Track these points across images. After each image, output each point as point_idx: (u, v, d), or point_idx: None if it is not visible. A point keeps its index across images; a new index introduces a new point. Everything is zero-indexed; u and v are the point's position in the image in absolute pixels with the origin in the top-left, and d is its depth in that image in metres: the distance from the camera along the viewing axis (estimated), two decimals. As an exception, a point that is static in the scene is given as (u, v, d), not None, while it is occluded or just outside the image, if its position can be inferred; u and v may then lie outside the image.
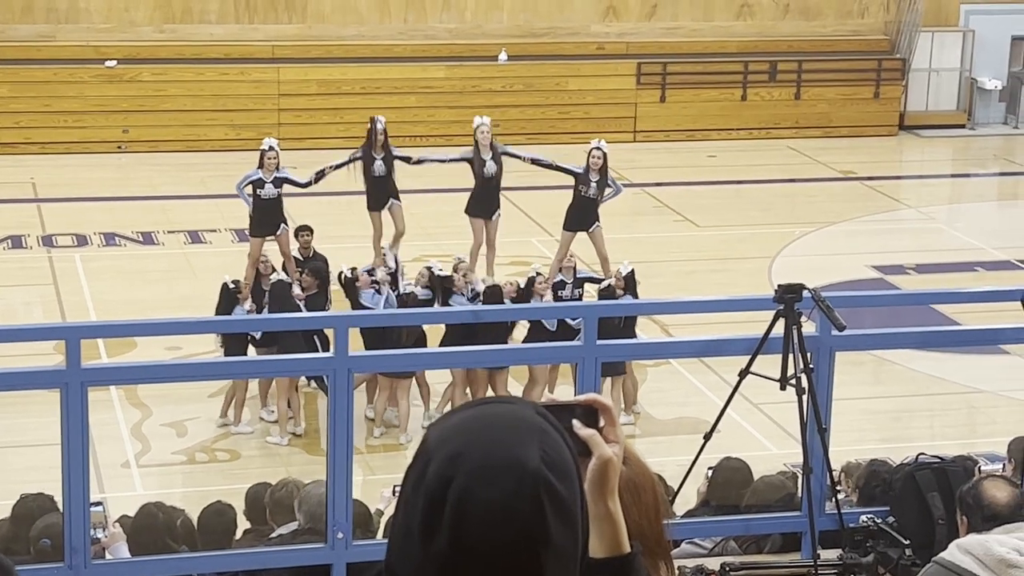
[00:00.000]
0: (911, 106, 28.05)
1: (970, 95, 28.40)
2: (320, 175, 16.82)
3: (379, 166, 16.94)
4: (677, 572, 2.97)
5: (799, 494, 8.61)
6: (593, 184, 16.86)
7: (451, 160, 17.64)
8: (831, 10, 27.93)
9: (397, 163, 17.15)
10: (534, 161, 17.37)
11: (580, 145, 17.43)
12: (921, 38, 27.75)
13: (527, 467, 2.05)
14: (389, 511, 9.87)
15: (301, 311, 14.82)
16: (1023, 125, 28.62)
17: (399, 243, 16.97)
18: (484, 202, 17.43)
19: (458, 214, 18.04)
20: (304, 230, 16.15)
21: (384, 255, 16.58)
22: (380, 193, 17.07)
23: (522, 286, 15.18)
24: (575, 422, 2.29)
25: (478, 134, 17.28)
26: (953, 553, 5.17)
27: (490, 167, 17.24)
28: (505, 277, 16.11)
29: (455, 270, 15.57)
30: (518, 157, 17.50)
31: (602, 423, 2.33)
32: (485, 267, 17.35)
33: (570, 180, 17.17)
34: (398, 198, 17.18)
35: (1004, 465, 9.64)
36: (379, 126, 16.94)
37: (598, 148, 16.93)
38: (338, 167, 17.01)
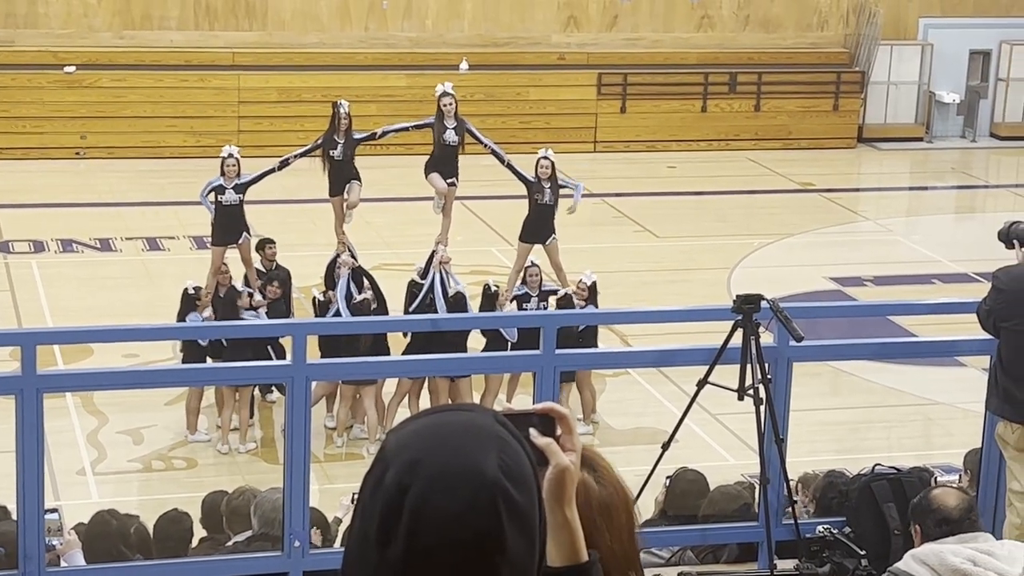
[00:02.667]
0: (870, 119, 28.20)
1: (928, 108, 28.57)
2: (285, 163, 16.74)
3: (340, 150, 16.85)
4: None
5: (755, 504, 8.63)
6: (547, 191, 16.92)
7: (414, 127, 17.63)
8: (791, 23, 28.07)
9: (360, 145, 17.12)
10: (493, 152, 17.27)
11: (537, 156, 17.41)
12: (880, 51, 27.90)
13: (485, 476, 2.04)
14: (347, 519, 9.86)
15: (246, 319, 14.76)
16: (981, 138, 28.80)
17: (351, 215, 16.86)
18: (443, 167, 17.28)
19: (417, 223, 18.01)
20: (268, 243, 16.09)
21: (346, 240, 16.49)
22: (340, 177, 16.94)
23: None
24: (532, 431, 2.29)
25: (441, 104, 17.24)
26: (908, 563, 5.18)
27: (450, 135, 17.16)
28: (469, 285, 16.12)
29: (433, 255, 15.53)
30: (480, 141, 17.39)
31: (559, 432, 2.33)
32: (441, 232, 17.24)
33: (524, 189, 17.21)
34: (359, 179, 17.01)
35: (960, 476, 9.70)
36: (342, 110, 16.83)
37: (545, 158, 17.00)
38: (302, 155, 16.95)
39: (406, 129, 17.65)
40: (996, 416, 7.67)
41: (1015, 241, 7.75)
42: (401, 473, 2.03)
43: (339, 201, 16.99)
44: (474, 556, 2.02)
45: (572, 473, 2.30)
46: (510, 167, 17.00)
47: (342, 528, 9.69)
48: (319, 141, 16.99)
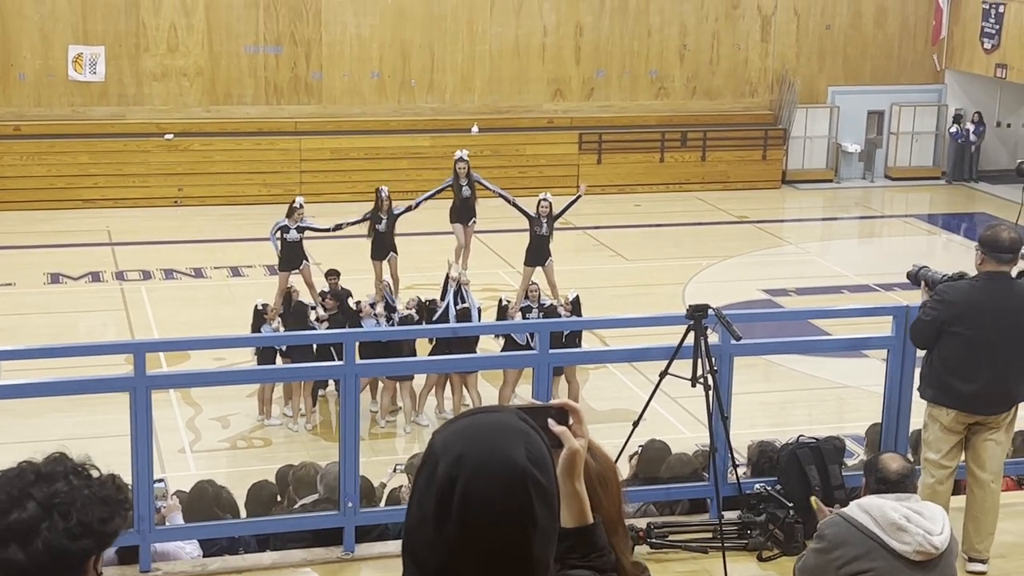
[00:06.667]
0: (791, 165, 28.21)
1: (836, 156, 28.58)
2: (338, 227, 16.92)
3: (384, 224, 17.06)
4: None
5: (703, 469, 8.60)
6: (544, 224, 16.99)
7: (438, 191, 17.92)
8: (728, 91, 28.09)
9: (400, 218, 17.25)
10: (501, 196, 17.48)
11: (535, 198, 17.45)
12: (798, 113, 27.92)
13: (516, 464, 2.02)
14: (390, 484, 9.83)
15: (314, 328, 14.79)
16: (877, 179, 28.81)
17: (398, 288, 16.91)
18: (462, 214, 17.78)
19: (442, 252, 18.00)
20: (332, 274, 16.01)
21: (384, 288, 16.50)
22: (382, 246, 17.17)
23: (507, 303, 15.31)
24: (550, 420, 2.28)
25: (457, 167, 17.71)
26: (854, 510, 5.10)
27: (465, 191, 17.76)
28: (483, 301, 16.09)
29: (448, 276, 15.54)
30: (489, 189, 17.73)
31: (571, 421, 2.33)
32: (462, 261, 17.50)
33: (526, 223, 17.25)
34: (396, 251, 17.22)
35: (862, 443, 9.64)
36: (384, 194, 17.17)
37: (544, 199, 17.11)
38: (353, 223, 17.12)
39: (433, 195, 17.81)
40: (931, 403, 7.46)
41: (923, 282, 7.59)
42: (450, 467, 2.01)
43: (379, 264, 17.10)
44: (512, 529, 2.01)
45: (581, 454, 2.30)
46: (515, 206, 17.12)
47: (386, 491, 9.66)
48: (367, 215, 17.15)
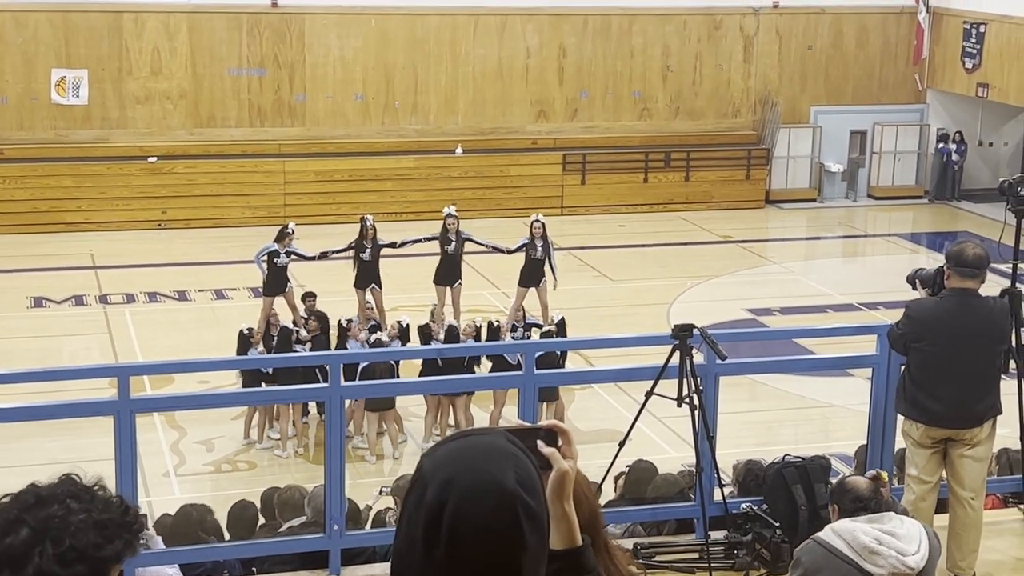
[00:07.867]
0: (774, 185, 28.29)
1: (819, 176, 28.68)
2: (323, 255, 16.91)
3: (368, 253, 16.97)
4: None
5: (689, 489, 8.59)
6: (539, 247, 16.97)
7: (425, 239, 17.64)
8: (711, 112, 28.19)
9: (383, 249, 17.15)
10: (495, 248, 17.41)
11: (520, 218, 17.48)
12: (781, 132, 28.02)
13: (505, 488, 2.00)
14: (376, 507, 9.80)
15: (298, 352, 14.74)
16: (860, 199, 28.91)
17: (384, 318, 16.83)
18: (447, 274, 17.42)
19: (425, 274, 17.98)
20: (310, 296, 16.04)
21: (371, 314, 16.48)
22: (366, 275, 17.06)
23: (478, 325, 15.20)
24: (539, 442, 2.26)
25: (447, 223, 17.37)
26: (828, 535, 5.14)
27: (453, 247, 17.34)
28: (464, 321, 16.08)
29: (432, 315, 15.50)
30: (480, 243, 17.47)
31: (560, 443, 2.32)
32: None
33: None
34: (380, 284, 17.10)
35: (851, 464, 9.66)
36: (368, 223, 17.06)
37: (537, 220, 17.07)
38: (338, 252, 17.06)
39: (419, 240, 17.63)
40: (903, 416, 7.56)
41: (917, 282, 7.67)
42: (439, 491, 2.00)
43: (362, 294, 17.04)
44: (501, 553, 2.00)
45: (571, 476, 2.27)
46: (510, 252, 17.15)
47: (372, 514, 9.63)
48: (352, 244, 17.09)
